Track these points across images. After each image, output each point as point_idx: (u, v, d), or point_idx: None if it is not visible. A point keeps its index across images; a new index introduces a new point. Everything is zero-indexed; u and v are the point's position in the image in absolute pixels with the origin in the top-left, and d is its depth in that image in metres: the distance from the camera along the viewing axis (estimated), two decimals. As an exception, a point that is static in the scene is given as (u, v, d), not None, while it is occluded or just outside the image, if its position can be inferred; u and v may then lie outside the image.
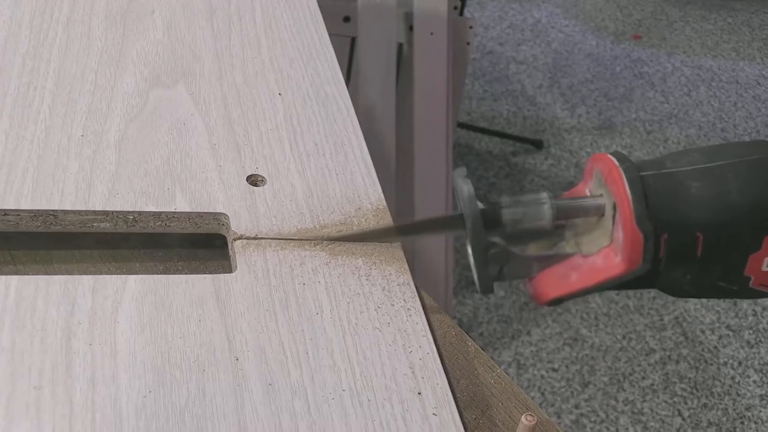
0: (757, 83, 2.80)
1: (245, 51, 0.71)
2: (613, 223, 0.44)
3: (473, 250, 0.46)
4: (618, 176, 0.43)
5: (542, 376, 1.68)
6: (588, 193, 0.47)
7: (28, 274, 0.52)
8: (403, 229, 0.56)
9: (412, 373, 0.47)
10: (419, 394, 0.46)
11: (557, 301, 0.46)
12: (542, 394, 1.64)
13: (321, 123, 0.64)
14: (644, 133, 2.45)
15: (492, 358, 0.53)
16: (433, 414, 0.45)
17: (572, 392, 1.65)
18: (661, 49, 2.91)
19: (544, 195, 0.46)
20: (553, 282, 0.46)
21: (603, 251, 0.45)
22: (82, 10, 0.72)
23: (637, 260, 0.43)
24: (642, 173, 0.43)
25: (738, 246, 0.43)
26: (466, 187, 0.45)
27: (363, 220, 0.56)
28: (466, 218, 0.45)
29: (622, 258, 0.43)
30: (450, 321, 0.55)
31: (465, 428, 0.45)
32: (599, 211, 0.45)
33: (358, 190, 0.59)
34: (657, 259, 0.43)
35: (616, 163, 0.44)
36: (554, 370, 1.70)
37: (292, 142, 0.62)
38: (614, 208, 0.44)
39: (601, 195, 0.45)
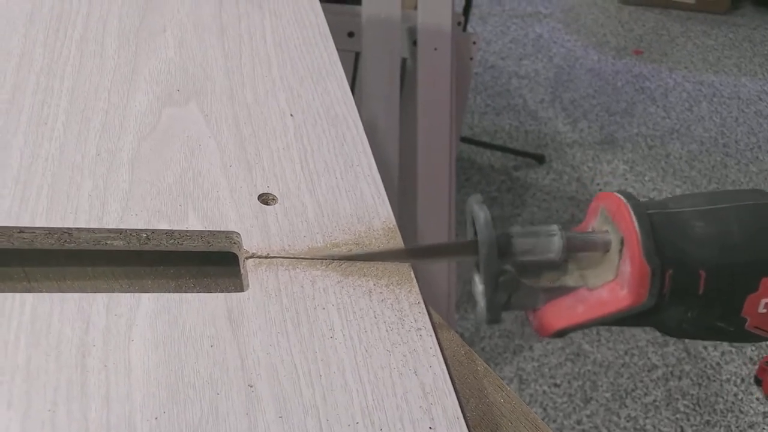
0: (759, 99, 2.81)
1: (256, 69, 0.72)
2: (620, 258, 0.45)
3: (486, 277, 0.46)
4: (627, 212, 0.45)
5: (544, 392, 1.68)
6: (591, 230, 0.48)
7: (42, 291, 0.52)
8: (414, 252, 0.56)
9: (423, 392, 0.47)
10: (430, 414, 0.46)
11: (562, 333, 0.47)
12: (544, 409, 1.64)
13: (331, 142, 0.65)
14: (646, 148, 2.46)
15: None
16: (444, 434, 0.45)
17: (574, 408, 1.65)
18: (662, 64, 2.92)
19: (555, 227, 0.47)
20: (559, 313, 0.47)
21: (609, 285, 0.46)
22: (95, 29, 0.73)
23: (643, 294, 0.44)
24: (649, 211, 0.45)
25: (737, 286, 0.45)
26: (483, 214, 0.46)
27: (373, 240, 0.57)
28: (481, 244, 0.46)
29: (628, 291, 0.44)
30: (459, 340, 0.56)
31: (475, 448, 0.45)
32: (606, 247, 0.46)
33: (368, 209, 0.59)
34: (661, 295, 0.44)
35: (624, 200, 0.46)
36: (556, 385, 1.70)
37: (302, 161, 0.62)
38: (621, 243, 0.45)
39: (607, 231, 0.46)
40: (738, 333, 0.46)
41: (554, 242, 0.47)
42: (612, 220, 0.46)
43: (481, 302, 0.48)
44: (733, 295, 0.45)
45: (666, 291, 0.44)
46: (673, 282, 0.44)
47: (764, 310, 0.45)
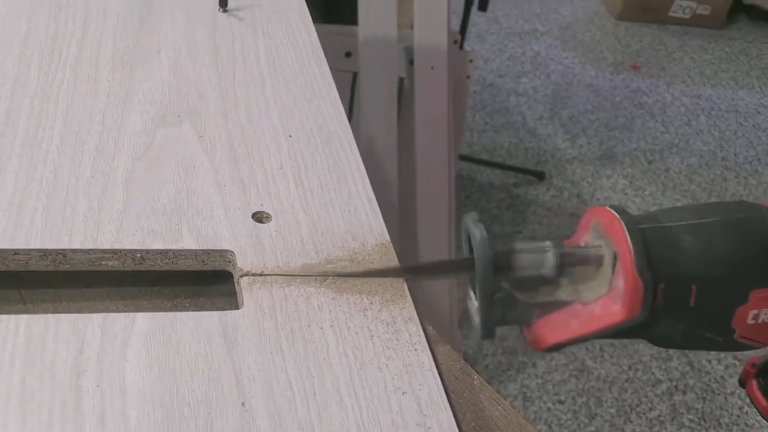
0: (757, 112, 2.81)
1: (249, 89, 0.72)
2: (613, 273, 0.45)
3: (481, 294, 0.46)
4: (619, 228, 0.45)
5: (549, 409, 1.67)
6: (584, 244, 0.48)
7: (37, 312, 0.53)
8: (410, 270, 0.56)
9: (419, 407, 0.47)
10: (426, 428, 0.46)
11: (556, 348, 0.47)
12: (549, 426, 1.63)
13: (324, 160, 0.65)
14: (645, 162, 2.47)
15: (498, 391, 0.54)
16: (440, 448, 0.45)
17: (579, 424, 1.65)
18: (660, 78, 2.93)
19: (548, 243, 0.47)
20: (553, 328, 0.47)
21: (602, 300, 0.46)
22: (89, 51, 0.73)
23: (636, 308, 0.44)
24: (640, 226, 0.45)
25: (727, 298, 0.45)
26: (479, 232, 0.46)
27: (367, 256, 0.57)
28: (477, 261, 0.46)
29: (621, 306, 0.45)
30: (455, 354, 0.55)
31: (472, 462, 0.45)
32: (599, 261, 0.47)
33: (362, 226, 0.59)
34: (653, 308, 0.44)
35: (617, 215, 0.46)
36: (560, 402, 1.69)
37: (296, 179, 0.62)
38: (614, 257, 0.45)
39: (600, 246, 0.46)
40: (727, 343, 0.47)
41: (548, 258, 0.47)
42: (605, 235, 0.46)
43: (476, 318, 0.48)
44: (724, 307, 0.45)
45: (658, 304, 0.45)
46: (665, 296, 0.45)
47: (753, 321, 0.46)
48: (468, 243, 0.49)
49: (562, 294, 0.48)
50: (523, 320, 0.48)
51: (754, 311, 0.45)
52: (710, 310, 0.45)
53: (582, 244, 0.48)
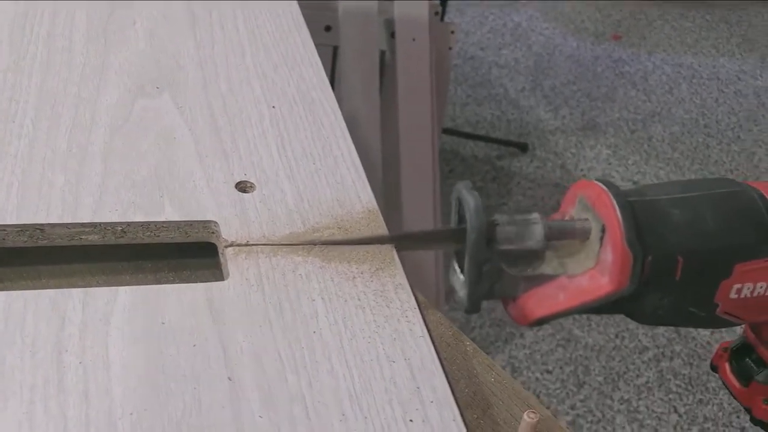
0: (738, 78, 2.82)
1: (229, 58, 0.70)
2: (601, 245, 0.45)
3: (470, 265, 0.45)
4: (608, 200, 0.45)
5: (537, 379, 1.67)
6: (569, 218, 0.47)
7: (15, 290, 0.51)
8: (398, 238, 0.55)
9: (411, 374, 0.46)
10: (419, 395, 0.45)
11: (542, 321, 0.46)
12: (537, 396, 1.63)
13: (308, 127, 0.64)
14: (628, 132, 2.46)
15: (490, 358, 0.53)
16: (434, 415, 0.44)
17: (567, 393, 1.65)
18: (641, 48, 2.93)
19: (536, 215, 0.47)
20: (539, 302, 0.46)
21: (589, 272, 0.46)
22: (62, 24, 0.71)
23: (624, 280, 0.44)
24: (628, 199, 0.45)
25: (712, 271, 0.45)
26: (473, 200, 0.45)
27: (355, 223, 0.56)
28: (470, 230, 0.45)
29: (609, 278, 0.44)
30: (447, 321, 0.55)
31: (466, 428, 0.44)
32: (586, 234, 0.46)
33: (349, 193, 0.58)
34: (641, 281, 0.44)
35: (605, 188, 0.46)
36: (548, 371, 1.69)
37: (279, 148, 0.61)
38: (602, 230, 0.45)
39: (587, 219, 0.46)
40: (709, 319, 0.47)
41: (536, 230, 0.46)
42: (592, 208, 0.46)
43: (461, 291, 0.47)
44: (708, 280, 0.46)
45: (645, 277, 0.44)
46: (652, 268, 0.44)
47: (735, 296, 0.46)
48: (457, 213, 0.48)
49: (548, 267, 0.47)
50: (509, 294, 0.47)
51: (738, 285, 0.46)
52: (695, 284, 0.45)
53: (567, 218, 0.48)
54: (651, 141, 2.44)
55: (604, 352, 1.75)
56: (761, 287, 0.46)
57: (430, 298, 1.54)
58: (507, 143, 2.34)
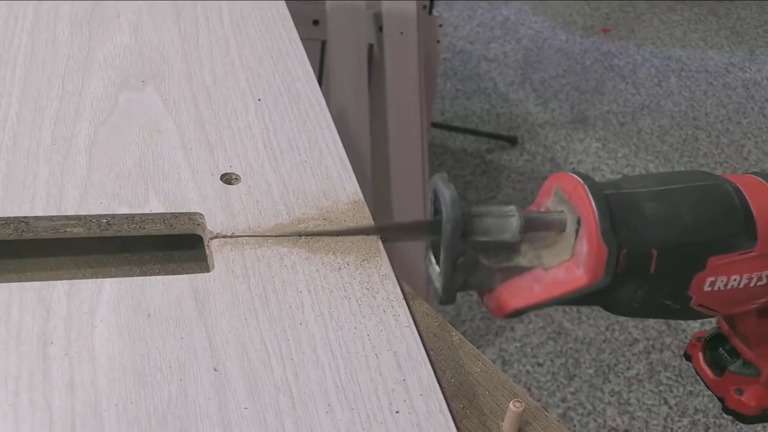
0: (727, 71, 2.82)
1: (214, 51, 0.70)
2: (576, 238, 0.45)
3: (446, 257, 0.45)
4: (583, 193, 0.45)
5: (528, 372, 1.68)
6: (545, 210, 0.47)
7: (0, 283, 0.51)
8: (380, 229, 0.55)
9: (397, 364, 0.46)
10: (405, 385, 0.45)
11: (518, 313, 0.46)
12: (528, 389, 1.64)
13: (293, 120, 0.64)
14: (617, 125, 2.47)
15: (477, 348, 0.53)
16: (420, 405, 0.44)
17: (558, 386, 1.65)
18: (630, 41, 2.93)
19: (512, 207, 0.46)
20: (515, 293, 0.46)
21: (564, 264, 0.46)
22: (46, 17, 0.71)
23: (599, 273, 0.44)
24: (604, 191, 0.45)
25: (686, 264, 0.46)
26: (448, 192, 0.45)
27: (341, 214, 0.56)
28: (446, 222, 0.45)
29: (585, 271, 0.44)
30: (433, 312, 0.55)
31: (453, 418, 0.44)
32: (561, 226, 0.46)
33: (334, 184, 0.58)
34: (616, 273, 0.44)
35: (581, 181, 0.46)
36: (539, 364, 1.70)
37: (265, 140, 0.61)
38: (578, 223, 0.45)
39: (562, 211, 0.46)
40: (683, 311, 0.47)
41: (512, 223, 0.46)
42: (568, 201, 0.46)
43: (437, 283, 0.47)
44: (682, 273, 0.46)
45: (620, 270, 0.45)
46: (627, 261, 0.44)
47: (709, 289, 0.46)
48: (433, 205, 0.48)
49: (524, 259, 0.47)
50: (485, 285, 0.47)
51: (711, 278, 0.46)
52: (669, 277, 0.45)
53: (543, 210, 0.48)
54: (640, 134, 2.44)
55: (594, 344, 1.75)
56: (734, 280, 0.46)
57: (420, 289, 1.54)
58: (496, 137, 2.34)
